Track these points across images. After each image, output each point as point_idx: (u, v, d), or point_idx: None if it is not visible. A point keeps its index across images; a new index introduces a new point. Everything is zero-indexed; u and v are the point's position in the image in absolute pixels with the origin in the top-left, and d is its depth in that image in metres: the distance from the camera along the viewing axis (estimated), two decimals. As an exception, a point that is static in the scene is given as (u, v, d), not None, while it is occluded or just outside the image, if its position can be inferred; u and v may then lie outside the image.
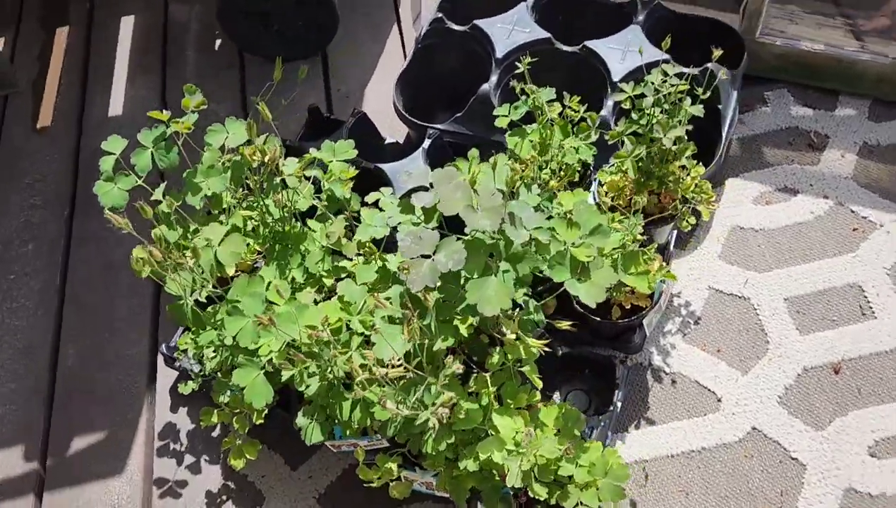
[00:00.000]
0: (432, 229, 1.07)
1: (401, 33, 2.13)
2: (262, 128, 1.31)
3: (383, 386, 1.10)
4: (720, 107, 1.59)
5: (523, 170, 1.26)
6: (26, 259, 1.87)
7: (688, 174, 1.42)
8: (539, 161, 1.39)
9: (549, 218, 1.17)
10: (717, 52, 1.31)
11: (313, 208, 1.35)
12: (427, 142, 1.61)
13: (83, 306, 1.79)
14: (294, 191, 1.28)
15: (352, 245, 1.21)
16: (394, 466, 1.22)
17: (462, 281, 1.08)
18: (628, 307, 1.38)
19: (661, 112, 1.29)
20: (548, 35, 1.69)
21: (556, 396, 1.50)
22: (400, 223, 1.14)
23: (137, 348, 1.70)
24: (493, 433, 1.15)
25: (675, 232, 1.56)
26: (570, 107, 1.38)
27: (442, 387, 1.08)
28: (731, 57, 1.68)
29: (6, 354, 1.74)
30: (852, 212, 1.64)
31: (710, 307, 1.57)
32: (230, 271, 1.39)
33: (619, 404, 1.40)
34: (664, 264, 1.39)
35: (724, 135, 1.58)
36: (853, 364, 1.46)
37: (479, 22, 1.73)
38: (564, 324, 1.14)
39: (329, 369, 1.12)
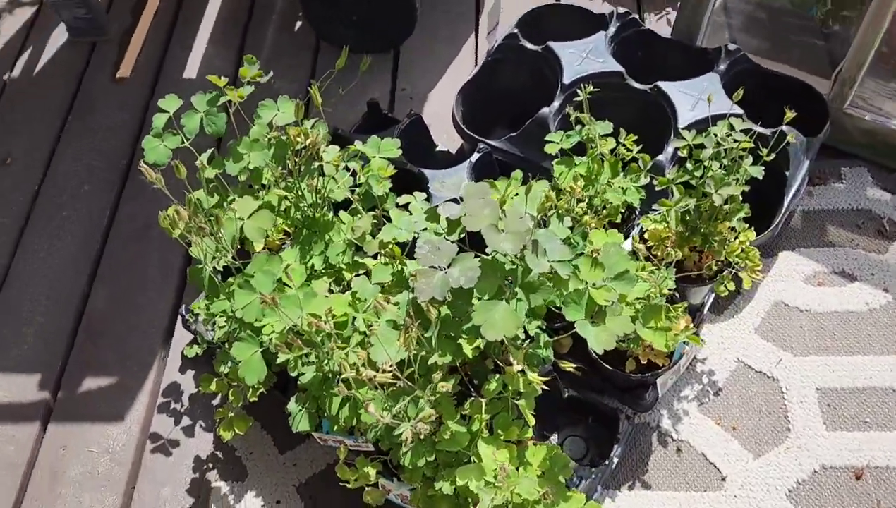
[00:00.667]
0: (453, 242, 1.05)
1: (476, 41, 2.13)
2: (315, 114, 1.31)
3: (375, 389, 1.08)
4: (787, 173, 1.51)
5: (559, 201, 1.22)
6: (80, 201, 1.94)
7: (736, 237, 1.36)
8: (579, 194, 1.35)
9: (580, 254, 1.13)
10: (790, 114, 1.24)
11: (349, 200, 1.35)
12: (475, 156, 1.59)
13: (121, 255, 1.84)
14: (330, 179, 1.28)
15: (374, 243, 1.20)
16: (372, 471, 1.19)
17: (473, 301, 1.05)
18: (644, 362, 1.32)
19: (719, 166, 1.23)
20: (620, 69, 1.64)
21: (555, 437, 1.45)
22: (424, 230, 1.12)
23: (161, 304, 1.73)
24: (476, 460, 1.12)
25: (713, 294, 1.49)
26: (623, 145, 1.33)
27: (429, 403, 1.06)
28: (813, 123, 1.60)
29: (44, 288, 1.80)
30: (912, 310, 1.53)
31: (735, 380, 1.49)
32: (258, 247, 1.40)
33: (615, 459, 1.34)
34: (692, 325, 1.32)
35: (785, 203, 1.50)
36: (878, 473, 1.35)
37: (553, 44, 1.70)
38: (569, 366, 1.10)
39: (326, 361, 1.11)
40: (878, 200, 1.68)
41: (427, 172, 1.57)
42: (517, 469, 1.11)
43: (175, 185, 1.19)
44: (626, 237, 1.46)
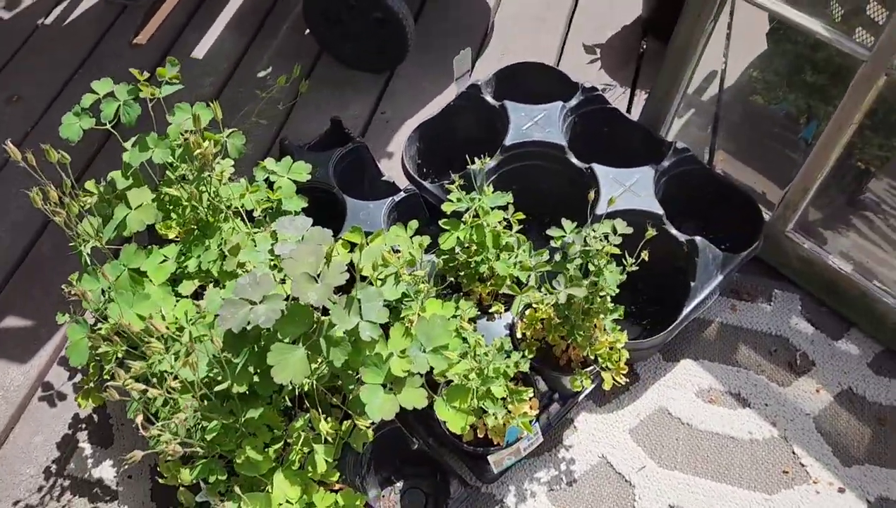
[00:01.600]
0: (280, 279, 1.08)
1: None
2: (238, 123, 1.37)
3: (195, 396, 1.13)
4: (692, 284, 1.47)
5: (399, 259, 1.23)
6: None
7: (607, 334, 1.34)
8: (464, 258, 1.36)
9: (401, 318, 1.14)
10: (645, 237, 1.21)
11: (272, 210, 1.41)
12: (399, 196, 1.61)
13: (78, 208, 1.95)
14: (222, 188, 1.33)
15: (233, 261, 1.25)
16: (185, 474, 1.24)
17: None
18: (482, 436, 1.32)
19: (579, 266, 1.22)
20: (562, 143, 1.64)
21: (399, 484, 1.47)
22: (266, 261, 1.16)
23: (92, 264, 1.83)
24: (269, 490, 1.15)
25: (593, 384, 1.47)
26: (507, 221, 1.33)
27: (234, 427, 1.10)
28: (749, 237, 1.56)
29: (2, 224, 1.93)
30: (793, 453, 1.46)
31: (592, 476, 1.46)
32: (171, 235, 1.46)
33: (437, 524, 1.35)
34: (533, 411, 1.32)
35: (682, 313, 1.46)
36: None
37: (508, 103, 1.70)
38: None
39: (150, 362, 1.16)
40: (800, 332, 1.61)
41: (349, 200, 1.61)
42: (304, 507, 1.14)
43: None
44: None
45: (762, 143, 1.90)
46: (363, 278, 1.17)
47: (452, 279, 1.43)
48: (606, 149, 1.70)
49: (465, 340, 1.19)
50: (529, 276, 1.29)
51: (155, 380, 1.11)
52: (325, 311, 1.05)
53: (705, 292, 1.49)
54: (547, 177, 1.67)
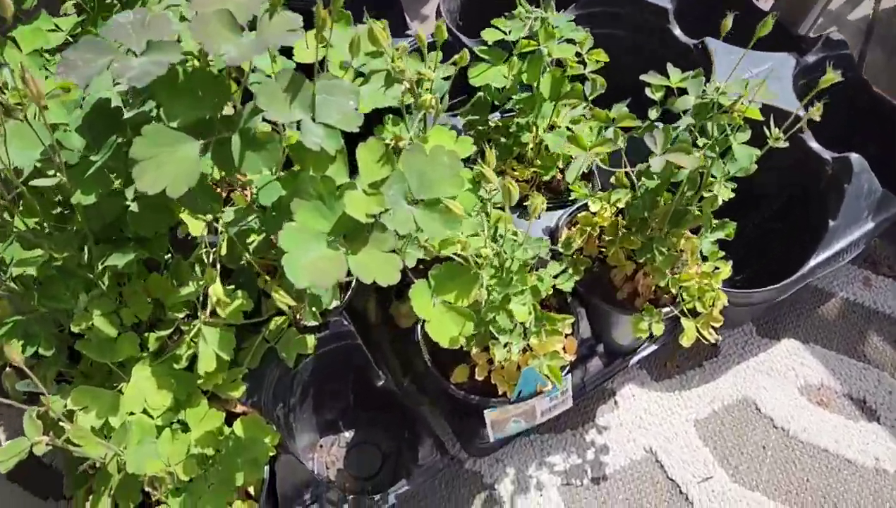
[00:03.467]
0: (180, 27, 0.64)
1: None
2: None
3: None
4: (831, 223, 0.99)
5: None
6: None
7: (700, 264, 0.86)
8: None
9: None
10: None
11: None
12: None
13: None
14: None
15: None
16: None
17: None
18: (481, 378, 0.85)
19: (693, 129, 0.75)
20: (666, 6, 1.16)
21: (349, 434, 1.01)
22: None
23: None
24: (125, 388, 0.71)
25: (654, 345, 1.01)
26: (582, 56, 0.86)
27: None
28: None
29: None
30: (938, 498, 0.98)
31: (632, 475, 0.99)
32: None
33: (391, 499, 0.89)
34: (569, 355, 0.85)
35: (808, 265, 0.98)
36: None
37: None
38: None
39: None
40: (962, 329, 1.12)
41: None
42: (169, 425, 0.70)
43: None
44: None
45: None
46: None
47: (479, 148, 0.97)
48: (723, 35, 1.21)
49: (482, 201, 0.71)
50: (601, 130, 0.82)
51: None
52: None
53: (847, 239, 1.00)
54: (634, 51, 1.20)
